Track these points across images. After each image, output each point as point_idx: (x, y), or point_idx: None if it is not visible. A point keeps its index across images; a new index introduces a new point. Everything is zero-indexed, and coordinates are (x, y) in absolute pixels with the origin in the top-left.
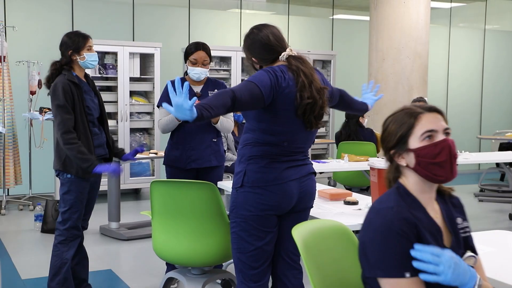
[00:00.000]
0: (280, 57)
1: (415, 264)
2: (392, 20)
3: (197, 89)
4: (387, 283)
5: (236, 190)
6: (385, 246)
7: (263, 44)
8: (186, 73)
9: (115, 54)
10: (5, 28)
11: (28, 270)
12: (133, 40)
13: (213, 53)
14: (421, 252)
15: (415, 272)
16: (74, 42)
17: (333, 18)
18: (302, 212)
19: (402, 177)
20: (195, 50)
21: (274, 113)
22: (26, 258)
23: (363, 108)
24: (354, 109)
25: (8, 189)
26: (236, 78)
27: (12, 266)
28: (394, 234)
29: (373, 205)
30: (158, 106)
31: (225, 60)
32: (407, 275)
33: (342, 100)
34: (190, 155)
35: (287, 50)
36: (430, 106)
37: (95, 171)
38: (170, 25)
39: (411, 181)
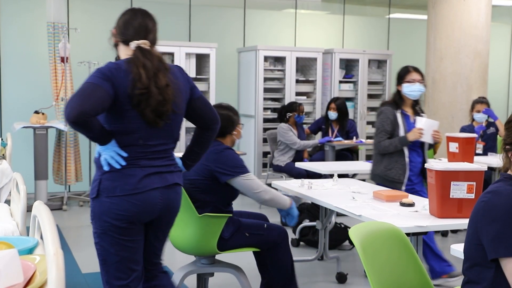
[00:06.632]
0: (130, 43)
1: None
2: (451, 18)
3: None
4: None
5: (93, 200)
6: None
7: (123, 21)
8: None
9: (171, 54)
10: (68, 30)
11: (88, 264)
12: (189, 41)
13: (267, 53)
14: None
15: None
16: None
17: (389, 18)
18: (165, 224)
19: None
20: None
21: (119, 109)
22: (85, 252)
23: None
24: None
25: (69, 186)
26: (290, 78)
27: (72, 260)
28: None
29: (488, 190)
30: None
31: (280, 60)
32: None
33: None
34: None
35: (141, 41)
36: None
37: None
38: (225, 26)
39: None
